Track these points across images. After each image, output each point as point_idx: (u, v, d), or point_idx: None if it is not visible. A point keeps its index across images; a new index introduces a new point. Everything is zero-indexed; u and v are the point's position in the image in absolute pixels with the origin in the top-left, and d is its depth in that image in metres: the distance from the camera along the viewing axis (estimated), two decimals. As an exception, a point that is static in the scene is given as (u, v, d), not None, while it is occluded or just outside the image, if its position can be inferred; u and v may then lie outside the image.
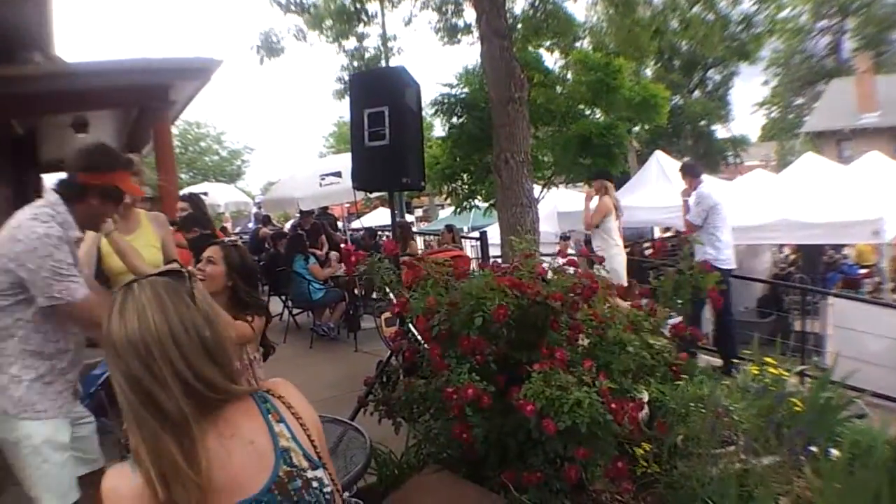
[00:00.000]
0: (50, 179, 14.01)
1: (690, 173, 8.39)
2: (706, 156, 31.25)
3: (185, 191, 8.87)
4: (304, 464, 1.63)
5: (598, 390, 3.21)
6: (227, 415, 1.59)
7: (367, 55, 12.97)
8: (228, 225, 19.08)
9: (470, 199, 11.54)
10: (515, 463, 3.45)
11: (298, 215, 12.21)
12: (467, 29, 13.10)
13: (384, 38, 13.65)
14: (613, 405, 3.20)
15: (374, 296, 10.14)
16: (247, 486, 1.54)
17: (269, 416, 1.65)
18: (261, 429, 1.62)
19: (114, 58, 10.26)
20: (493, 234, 10.28)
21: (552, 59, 13.04)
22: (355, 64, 12.91)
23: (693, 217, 7.80)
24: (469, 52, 24.39)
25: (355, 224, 15.52)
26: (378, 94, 5.08)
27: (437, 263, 4.09)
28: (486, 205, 11.28)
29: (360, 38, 12.91)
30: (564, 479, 3.27)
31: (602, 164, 10.76)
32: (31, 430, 3.12)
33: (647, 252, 13.43)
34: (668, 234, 14.35)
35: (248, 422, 1.61)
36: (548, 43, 12.42)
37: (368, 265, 3.97)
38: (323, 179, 11.90)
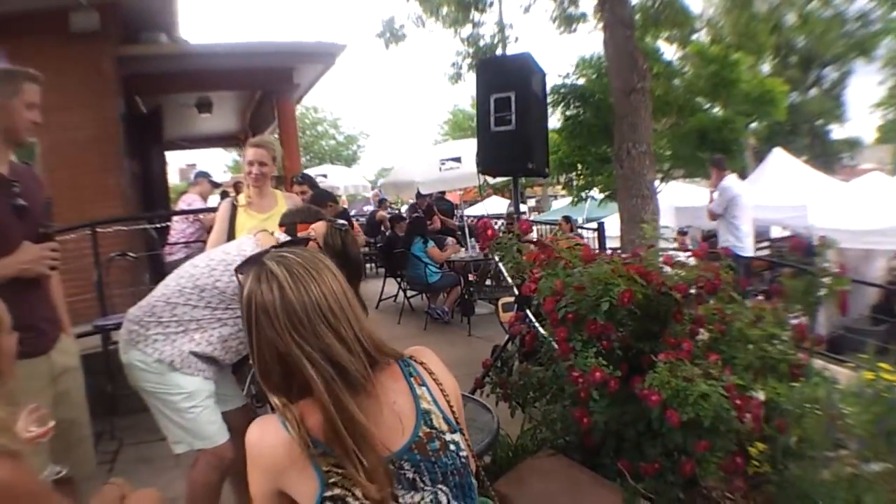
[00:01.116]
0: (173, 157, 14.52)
1: (718, 167, 8.88)
2: (822, 156, 30.30)
3: (305, 172, 8.99)
4: (444, 426, 1.69)
5: (724, 384, 3.13)
6: (374, 376, 1.65)
7: (482, 42, 12.98)
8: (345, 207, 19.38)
9: (586, 190, 11.46)
10: (631, 452, 3.41)
11: (414, 199, 12.30)
12: (583, 18, 12.96)
13: (501, 26, 13.67)
14: (738, 401, 3.12)
15: (488, 282, 10.21)
16: (389, 443, 1.61)
17: (412, 379, 1.73)
18: (404, 390, 1.70)
19: (238, 40, 10.40)
20: (610, 225, 10.19)
21: (669, 52, 12.84)
22: (471, 51, 12.94)
23: (715, 207, 8.42)
24: (585, 42, 24.18)
25: (468, 211, 15.53)
26: (505, 80, 5.08)
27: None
28: (602, 196, 11.21)
29: (476, 25, 12.95)
30: (679, 471, 3.23)
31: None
32: (186, 381, 3.34)
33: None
34: (786, 233, 13.96)
35: (393, 383, 1.69)
36: (665, 34, 12.20)
37: (502, 242, 3.97)
38: (443, 164, 11.95)
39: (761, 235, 15.47)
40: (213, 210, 9.06)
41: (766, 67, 27.98)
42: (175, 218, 8.88)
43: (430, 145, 26.92)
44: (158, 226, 8.90)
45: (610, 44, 7.07)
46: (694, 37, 13.79)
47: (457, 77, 13.62)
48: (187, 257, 7.91)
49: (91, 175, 8.38)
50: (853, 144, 33.29)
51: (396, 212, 14.02)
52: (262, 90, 11.40)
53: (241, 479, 3.79)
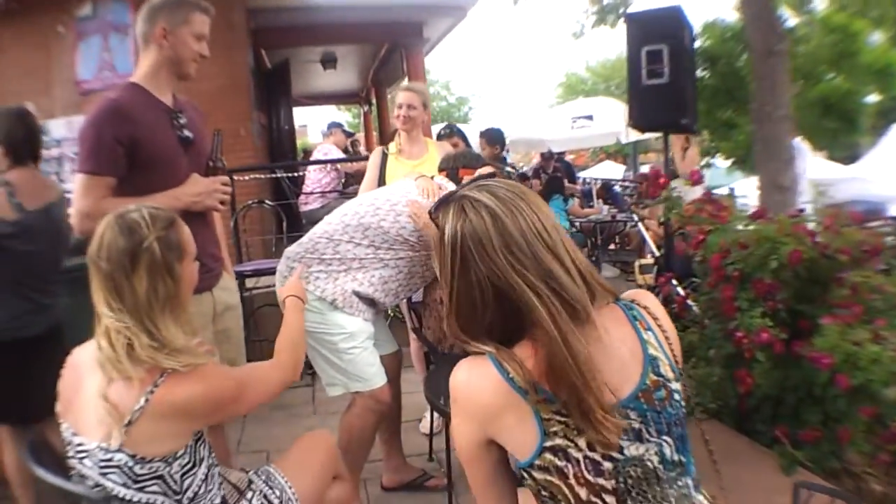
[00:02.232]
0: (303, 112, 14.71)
1: None
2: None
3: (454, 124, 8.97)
4: (670, 374, 1.54)
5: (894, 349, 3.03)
6: (596, 313, 1.51)
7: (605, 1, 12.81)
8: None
9: (709, 156, 11.26)
10: (788, 419, 3.33)
11: (539, 158, 12.19)
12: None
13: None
14: (908, 367, 3.02)
15: (612, 246, 10.11)
16: (616, 390, 1.47)
17: (637, 323, 1.57)
18: (630, 334, 1.55)
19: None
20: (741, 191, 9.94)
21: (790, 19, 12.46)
22: (594, 9, 12.77)
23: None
24: (709, 4, 23.49)
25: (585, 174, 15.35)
26: (656, 33, 4.96)
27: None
28: (728, 162, 11.01)
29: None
30: (836, 440, 3.15)
31: (845, 131, 10.25)
32: (347, 321, 3.35)
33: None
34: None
35: (617, 326, 1.55)
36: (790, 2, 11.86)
37: (667, 194, 3.93)
38: (574, 122, 11.85)
39: (877, 213, 14.98)
40: (350, 160, 9.20)
41: (878, 38, 26.84)
42: (311, 168, 9.02)
43: (543, 108, 26.65)
44: (293, 175, 9.07)
45: (748, 6, 6.87)
46: (814, 4, 13.37)
47: (580, 34, 13.48)
48: (323, 207, 8.07)
49: (223, 124, 8.28)
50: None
51: (520, 171, 13.88)
52: (391, 44, 11.40)
53: (393, 430, 3.85)
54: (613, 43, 48.20)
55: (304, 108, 18.19)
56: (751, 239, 3.47)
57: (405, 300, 4.11)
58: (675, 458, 1.51)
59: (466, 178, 3.38)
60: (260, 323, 5.68)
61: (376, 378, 3.41)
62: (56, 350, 3.36)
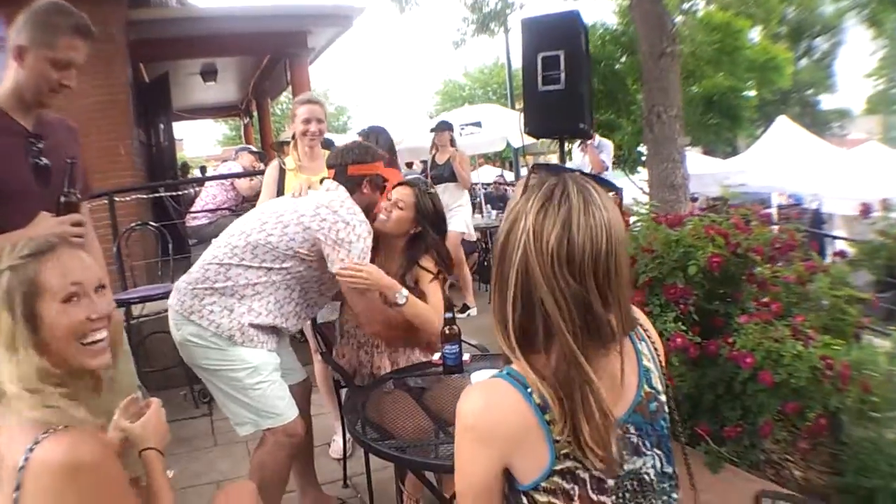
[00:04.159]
0: (179, 126, 14.38)
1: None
2: (813, 126, 30.78)
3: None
4: (659, 387, 1.56)
5: (815, 345, 3.10)
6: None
7: (485, 8, 12.90)
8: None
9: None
10: (707, 416, 3.37)
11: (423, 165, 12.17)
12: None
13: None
14: (829, 361, 3.07)
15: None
16: (617, 406, 1.46)
17: (633, 334, 1.56)
18: (628, 348, 1.53)
19: (249, 4, 10.24)
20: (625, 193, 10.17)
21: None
22: (473, 17, 12.84)
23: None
24: (588, 8, 24.13)
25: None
26: (553, 38, 4.95)
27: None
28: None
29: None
30: (756, 433, 3.20)
31: (727, 126, 10.56)
32: (250, 354, 3.19)
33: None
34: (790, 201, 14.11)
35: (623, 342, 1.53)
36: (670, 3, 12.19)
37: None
38: (463, 129, 11.84)
39: (763, 203, 15.67)
40: (245, 175, 8.97)
41: (755, 36, 28.13)
42: (209, 184, 8.80)
43: (422, 116, 26.85)
44: (175, 194, 8.79)
45: (637, 7, 6.97)
46: (694, 3, 13.88)
47: (461, 42, 13.51)
48: (211, 223, 7.84)
49: (101, 143, 8.16)
50: (843, 114, 33.70)
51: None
52: (274, 54, 11.17)
53: (306, 461, 3.70)
54: (491, 49, 49.01)
55: (182, 122, 17.80)
56: (658, 244, 3.50)
57: (308, 321, 3.96)
58: (668, 470, 1.55)
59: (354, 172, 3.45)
60: (151, 352, 5.43)
61: (287, 411, 3.26)
62: None
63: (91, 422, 1.72)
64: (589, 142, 8.65)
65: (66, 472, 1.60)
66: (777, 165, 13.48)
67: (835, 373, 3.07)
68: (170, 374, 5.44)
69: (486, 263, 9.44)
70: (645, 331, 1.62)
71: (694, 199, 13.66)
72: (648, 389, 1.52)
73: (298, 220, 3.22)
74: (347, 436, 4.28)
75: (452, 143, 8.25)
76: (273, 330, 3.29)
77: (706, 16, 12.19)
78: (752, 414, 3.23)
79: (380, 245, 3.65)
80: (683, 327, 3.29)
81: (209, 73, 11.08)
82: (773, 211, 14.23)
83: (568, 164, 8.71)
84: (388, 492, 3.83)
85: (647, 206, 4.24)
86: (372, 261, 3.42)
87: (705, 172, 14.88)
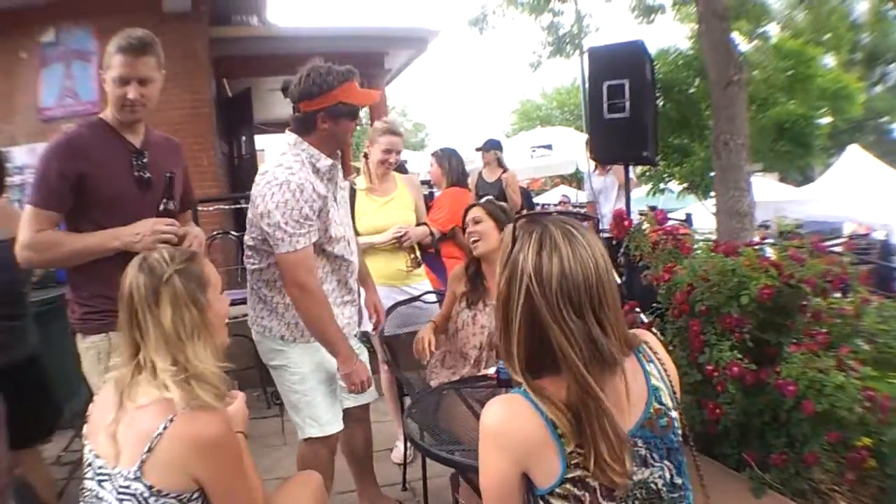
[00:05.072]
0: (264, 140, 14.70)
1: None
2: (887, 154, 29.94)
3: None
4: (670, 403, 1.71)
5: (858, 376, 3.13)
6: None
7: (561, 31, 13.05)
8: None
9: (664, 182, 11.39)
10: (755, 443, 3.42)
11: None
12: (662, 9, 13.04)
13: (578, 16, 13.67)
14: (871, 393, 3.10)
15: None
16: (625, 420, 1.63)
17: (641, 356, 1.75)
18: (635, 367, 1.71)
19: (328, 25, 10.51)
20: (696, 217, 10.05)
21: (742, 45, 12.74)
22: (549, 40, 13.00)
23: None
24: (661, 33, 24.01)
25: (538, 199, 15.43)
26: (618, 67, 5.13)
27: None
28: (681, 188, 11.15)
29: (556, 14, 13.03)
30: (802, 462, 3.22)
31: (800, 154, 10.47)
32: (300, 356, 3.34)
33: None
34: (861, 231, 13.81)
35: (629, 362, 1.70)
36: (740, 28, 12.13)
37: (635, 230, 3.99)
38: (534, 151, 11.91)
39: (834, 232, 15.34)
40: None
41: (829, 62, 27.65)
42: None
43: (502, 135, 26.94)
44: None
45: (705, 36, 6.99)
46: (766, 29, 13.74)
47: (537, 65, 13.67)
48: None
49: (186, 154, 8.37)
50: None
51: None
52: None
53: (365, 465, 3.84)
54: (568, 70, 48.67)
55: (263, 136, 18.14)
56: (715, 272, 3.54)
57: (377, 334, 4.16)
58: (677, 481, 1.68)
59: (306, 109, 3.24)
60: (228, 353, 5.60)
61: (329, 426, 3.38)
62: (31, 381, 3.37)
63: (218, 404, 1.98)
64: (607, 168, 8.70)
65: (197, 445, 1.88)
66: (848, 194, 13.24)
67: (875, 405, 3.08)
68: (245, 375, 5.72)
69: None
70: (654, 353, 1.78)
71: (766, 227, 13.56)
72: (658, 406, 1.68)
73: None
74: (408, 442, 4.42)
75: (500, 163, 8.30)
76: None
77: (779, 42, 12.10)
78: (798, 442, 3.27)
79: (485, 269, 3.85)
80: (739, 356, 3.31)
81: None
82: (841, 241, 13.95)
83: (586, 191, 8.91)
84: (443, 497, 4.03)
85: (704, 237, 4.28)
86: (480, 285, 3.71)
87: (779, 200, 14.70)
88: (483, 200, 4.15)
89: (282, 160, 3.20)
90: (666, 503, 1.66)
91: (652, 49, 11.92)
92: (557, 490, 1.59)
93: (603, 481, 1.56)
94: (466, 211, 3.98)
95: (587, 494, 1.57)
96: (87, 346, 2.93)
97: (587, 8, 20.38)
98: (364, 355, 3.69)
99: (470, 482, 3.14)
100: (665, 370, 1.77)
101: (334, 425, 3.39)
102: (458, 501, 3.70)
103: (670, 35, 18.42)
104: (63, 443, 5.14)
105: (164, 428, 1.87)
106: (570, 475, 1.58)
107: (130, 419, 1.94)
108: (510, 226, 1.76)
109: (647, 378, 1.71)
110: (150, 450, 1.87)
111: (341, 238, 3.36)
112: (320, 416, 3.35)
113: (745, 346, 3.42)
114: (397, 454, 4.76)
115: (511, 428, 1.62)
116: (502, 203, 3.92)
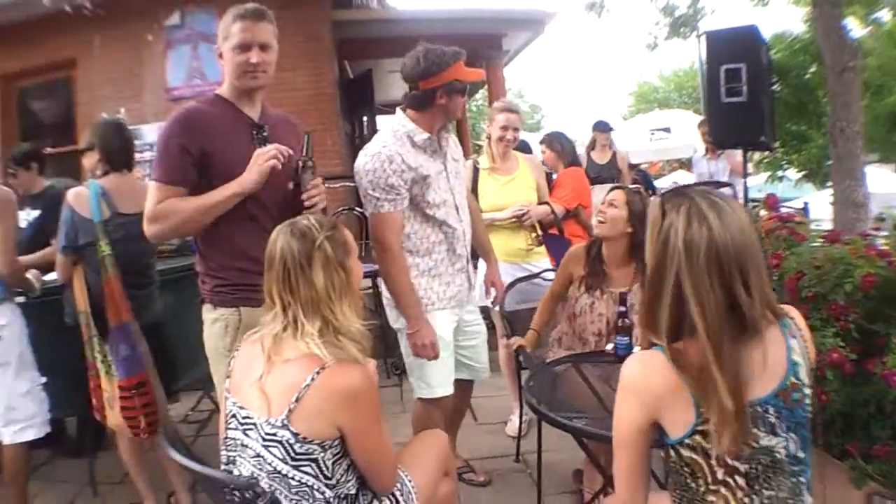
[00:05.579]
0: (382, 120, 14.95)
1: None
2: None
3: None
4: (806, 380, 1.78)
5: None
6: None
7: (677, 13, 12.87)
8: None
9: (781, 169, 11.16)
10: (860, 433, 3.43)
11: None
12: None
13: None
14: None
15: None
16: (759, 387, 1.72)
17: (786, 330, 1.81)
18: (779, 339, 1.79)
19: (446, 7, 10.62)
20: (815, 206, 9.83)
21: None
22: (667, 21, 12.84)
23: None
24: (775, 16, 23.22)
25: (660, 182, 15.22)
26: (734, 51, 5.15)
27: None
28: (798, 176, 10.91)
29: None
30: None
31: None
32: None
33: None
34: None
35: (769, 331, 1.77)
36: (852, 13, 11.70)
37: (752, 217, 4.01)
38: (653, 134, 11.82)
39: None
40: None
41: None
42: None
43: (619, 118, 26.54)
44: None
45: (819, 22, 6.92)
46: (879, 15, 13.24)
47: (653, 45, 13.52)
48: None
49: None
50: None
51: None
52: (471, 56, 11.19)
53: (449, 430, 3.83)
54: (686, 52, 47.36)
55: (384, 116, 18.46)
56: (824, 260, 3.55)
57: (497, 308, 4.34)
58: (800, 455, 1.78)
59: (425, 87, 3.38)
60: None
61: (439, 388, 3.57)
62: (152, 347, 3.69)
63: (362, 358, 2.20)
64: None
65: (344, 395, 2.10)
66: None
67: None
68: (366, 346, 5.95)
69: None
70: (799, 330, 1.85)
71: (881, 219, 13.07)
72: (794, 381, 1.75)
73: None
74: (524, 416, 4.62)
75: (611, 145, 8.39)
76: (432, 277, 3.55)
77: (893, 28, 11.65)
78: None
79: (606, 254, 3.90)
80: (842, 343, 3.32)
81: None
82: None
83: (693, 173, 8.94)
84: (556, 471, 4.15)
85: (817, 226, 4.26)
86: (600, 270, 3.80)
87: (893, 192, 14.19)
88: (631, 187, 4.22)
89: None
90: (787, 474, 1.76)
91: (765, 33, 11.73)
92: (687, 441, 1.73)
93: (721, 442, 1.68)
94: (611, 189, 4.01)
95: (714, 449, 1.70)
96: (216, 318, 2.99)
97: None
98: (482, 330, 3.90)
99: (588, 453, 3.26)
100: (807, 347, 1.84)
101: (442, 388, 3.58)
102: (583, 491, 3.86)
103: (784, 20, 17.76)
104: (191, 403, 5.62)
105: (312, 379, 2.05)
106: (701, 427, 1.69)
107: (278, 372, 2.12)
108: (656, 200, 1.86)
109: (788, 351, 1.77)
110: (297, 399, 2.04)
111: (442, 203, 3.50)
112: (431, 379, 3.55)
113: (851, 336, 3.43)
114: (512, 427, 4.88)
115: (647, 378, 1.77)
116: (645, 202, 3.88)
